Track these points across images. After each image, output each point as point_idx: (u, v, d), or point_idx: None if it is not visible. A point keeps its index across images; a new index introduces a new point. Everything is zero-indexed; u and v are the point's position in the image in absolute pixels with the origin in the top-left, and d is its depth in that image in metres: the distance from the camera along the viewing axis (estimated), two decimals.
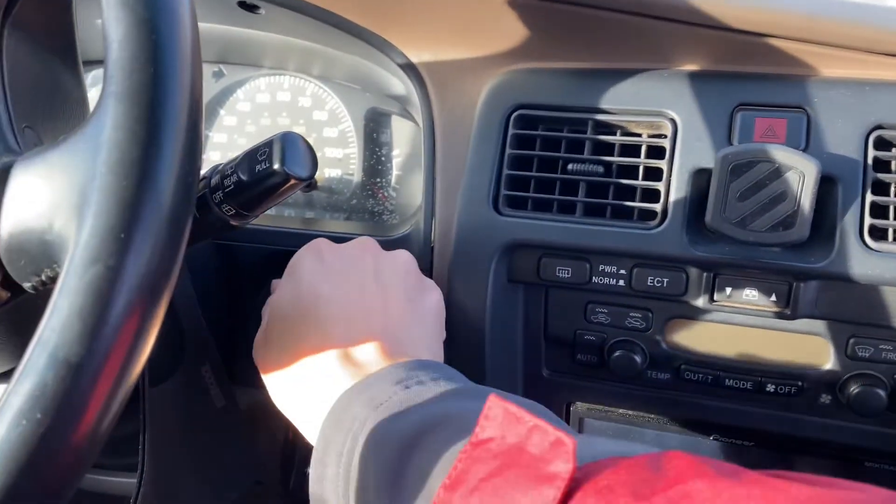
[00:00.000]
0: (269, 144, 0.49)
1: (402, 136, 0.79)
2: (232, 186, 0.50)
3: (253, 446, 0.70)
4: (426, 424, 0.43)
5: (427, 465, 0.40)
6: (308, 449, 0.50)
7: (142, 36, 0.35)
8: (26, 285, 0.38)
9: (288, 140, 0.49)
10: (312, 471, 0.48)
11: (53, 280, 0.37)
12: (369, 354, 0.54)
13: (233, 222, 0.53)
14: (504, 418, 0.38)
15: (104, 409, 0.33)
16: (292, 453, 0.75)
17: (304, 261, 0.61)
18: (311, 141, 0.81)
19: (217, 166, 0.53)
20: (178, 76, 0.35)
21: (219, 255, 0.73)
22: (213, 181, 0.51)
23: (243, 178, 0.49)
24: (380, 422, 0.45)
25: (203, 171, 0.55)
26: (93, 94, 0.82)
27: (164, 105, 0.34)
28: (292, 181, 0.49)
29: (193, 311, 0.63)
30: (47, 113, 0.49)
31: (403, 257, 0.61)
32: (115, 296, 0.32)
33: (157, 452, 0.62)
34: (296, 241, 0.73)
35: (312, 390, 0.54)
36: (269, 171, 0.49)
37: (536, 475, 0.35)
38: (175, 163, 0.35)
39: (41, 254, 0.36)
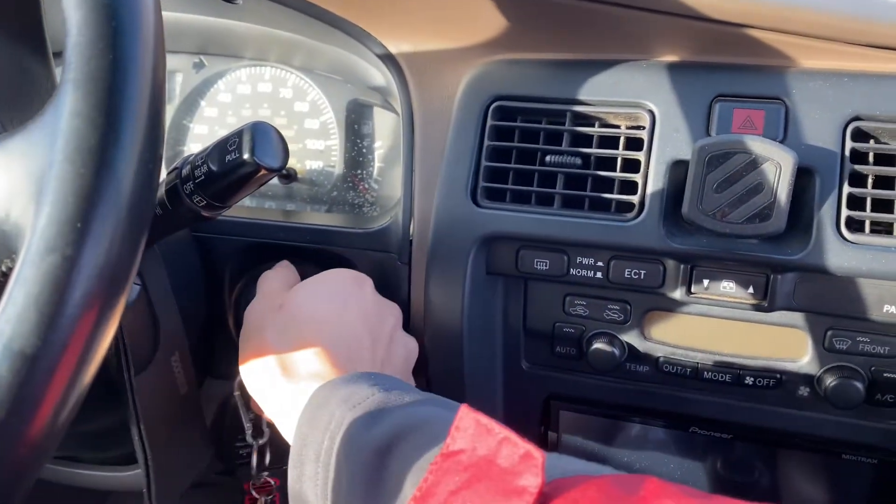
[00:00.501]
0: (239, 134, 0.49)
1: (384, 128, 0.79)
2: (202, 177, 0.49)
3: (218, 436, 0.69)
4: (403, 429, 0.43)
5: (402, 472, 0.40)
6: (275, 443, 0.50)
7: (101, 21, 0.34)
8: None
9: (258, 129, 0.49)
10: (291, 469, 0.47)
11: (13, 271, 0.36)
12: (356, 368, 0.56)
13: (204, 213, 0.52)
14: (475, 430, 0.38)
15: (61, 403, 0.32)
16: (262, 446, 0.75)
17: (347, 279, 0.64)
18: (292, 132, 0.81)
19: (188, 157, 0.52)
20: (139, 62, 0.35)
21: (197, 247, 0.73)
22: (184, 172, 0.51)
23: (213, 168, 0.49)
24: (357, 422, 0.45)
25: (175, 163, 0.55)
26: None
27: (123, 92, 0.34)
28: (263, 171, 0.49)
29: (169, 303, 0.62)
30: (13, 101, 0.48)
31: (415, 344, 0.66)
32: (72, 286, 0.32)
33: (153, 441, 0.62)
34: (276, 233, 0.73)
35: (292, 379, 0.54)
36: (240, 161, 0.48)
37: (505, 489, 0.35)
38: (135, 151, 0.34)
39: None
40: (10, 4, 0.47)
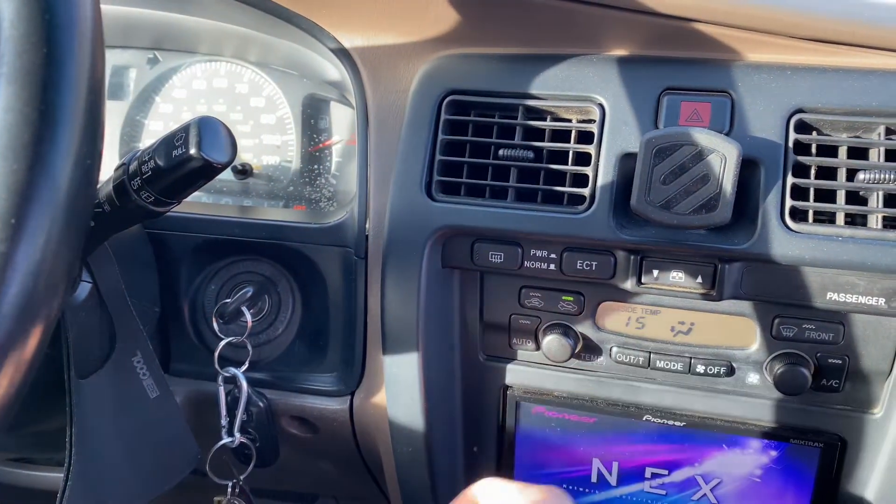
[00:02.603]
0: (185, 129, 0.48)
1: (341, 123, 0.79)
2: (149, 173, 0.49)
3: (190, 437, 0.69)
4: None
5: None
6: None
7: (34, 14, 0.34)
8: None
9: (205, 124, 0.49)
10: None
11: None
12: None
13: (153, 209, 0.52)
14: None
15: None
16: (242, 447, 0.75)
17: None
18: (248, 128, 0.80)
19: (135, 152, 0.51)
20: (75, 56, 0.34)
21: (151, 243, 0.72)
22: (131, 168, 0.50)
23: (160, 163, 0.48)
24: None
25: (123, 158, 0.54)
26: None
27: (58, 86, 0.34)
28: (211, 166, 0.48)
29: (122, 301, 0.61)
30: None
31: None
32: (6, 283, 0.32)
33: (87, 445, 0.61)
34: (232, 229, 0.72)
35: None
36: (186, 157, 0.48)
37: None
38: (71, 146, 0.34)
39: None
40: None
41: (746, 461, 0.65)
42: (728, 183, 0.54)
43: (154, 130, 0.83)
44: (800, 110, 0.57)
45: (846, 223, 0.56)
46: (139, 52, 0.83)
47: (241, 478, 0.75)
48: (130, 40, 0.82)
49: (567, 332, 0.65)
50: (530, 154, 0.62)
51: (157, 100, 0.83)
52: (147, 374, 0.65)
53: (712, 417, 0.65)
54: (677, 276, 0.59)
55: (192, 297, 0.74)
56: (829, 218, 0.57)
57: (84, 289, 0.59)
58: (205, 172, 0.49)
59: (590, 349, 0.66)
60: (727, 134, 0.57)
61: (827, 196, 0.57)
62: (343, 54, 0.68)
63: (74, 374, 0.59)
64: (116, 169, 0.53)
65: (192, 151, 0.47)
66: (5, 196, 0.32)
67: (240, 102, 0.81)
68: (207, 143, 0.48)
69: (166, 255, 0.73)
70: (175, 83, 0.83)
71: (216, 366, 0.71)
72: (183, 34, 0.80)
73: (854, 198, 0.57)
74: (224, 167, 0.49)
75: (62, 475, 0.60)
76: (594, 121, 0.61)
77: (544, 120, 0.62)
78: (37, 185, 0.32)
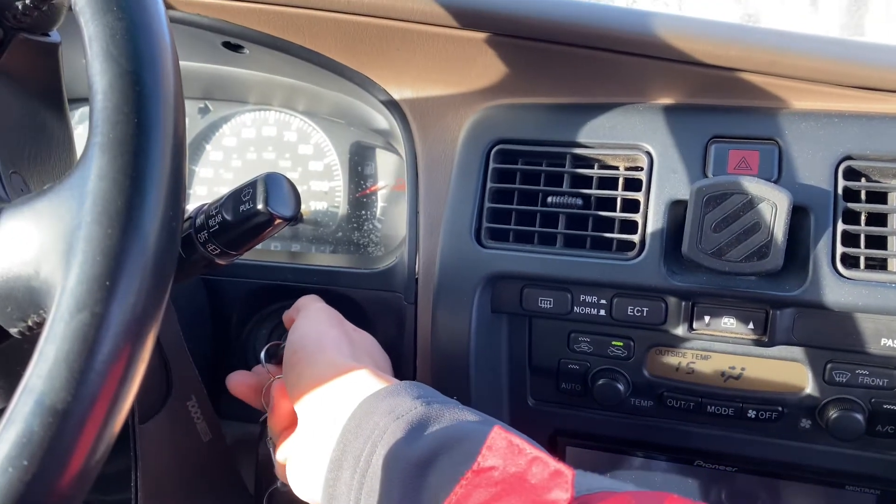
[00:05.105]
0: (252, 185, 0.50)
1: (387, 169, 0.81)
2: (216, 227, 0.51)
3: (240, 479, 0.70)
4: (443, 444, 0.45)
5: (439, 487, 0.42)
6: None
7: (126, 87, 0.36)
8: (13, 331, 0.39)
9: (271, 180, 0.51)
10: (328, 472, 0.49)
11: (40, 325, 0.38)
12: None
13: (218, 261, 0.53)
14: (507, 449, 0.40)
15: (90, 455, 0.33)
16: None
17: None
18: (296, 174, 0.82)
19: (202, 206, 0.53)
20: (162, 127, 0.36)
21: (205, 289, 0.74)
22: (199, 221, 0.52)
23: (228, 218, 0.50)
24: (399, 434, 0.47)
25: (189, 211, 0.56)
26: (79, 132, 0.83)
27: (147, 155, 0.35)
28: (277, 221, 0.50)
29: (179, 347, 0.63)
30: (33, 157, 0.50)
31: None
32: (100, 342, 0.33)
33: (150, 488, 0.62)
34: (283, 274, 0.74)
35: (336, 394, 0.54)
36: (254, 211, 0.50)
37: (535, 501, 0.37)
38: (159, 211, 0.36)
39: (28, 300, 0.37)
40: (32, 65, 0.49)
41: None
42: (779, 231, 0.55)
43: (204, 177, 0.86)
44: (848, 157, 0.58)
45: None
46: (190, 102, 0.86)
47: None
48: (183, 90, 0.85)
49: (617, 376, 0.65)
50: (578, 201, 0.63)
51: (207, 147, 0.86)
52: (200, 417, 0.67)
53: (764, 462, 0.65)
54: (729, 323, 0.59)
55: (243, 341, 0.75)
56: (880, 264, 0.57)
57: None
58: (271, 226, 0.51)
59: (639, 394, 0.66)
60: (776, 181, 0.58)
61: (878, 242, 0.57)
62: (393, 105, 0.70)
63: (137, 418, 0.61)
64: (183, 222, 0.55)
65: (260, 206, 0.49)
66: (101, 260, 0.33)
67: (288, 150, 0.83)
68: (274, 198, 0.50)
69: (219, 301, 0.74)
70: (225, 131, 0.86)
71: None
72: (234, 85, 0.83)
73: None
74: (289, 221, 0.51)
75: None
76: (642, 168, 0.62)
77: (592, 168, 0.64)
78: (129, 249, 0.34)
